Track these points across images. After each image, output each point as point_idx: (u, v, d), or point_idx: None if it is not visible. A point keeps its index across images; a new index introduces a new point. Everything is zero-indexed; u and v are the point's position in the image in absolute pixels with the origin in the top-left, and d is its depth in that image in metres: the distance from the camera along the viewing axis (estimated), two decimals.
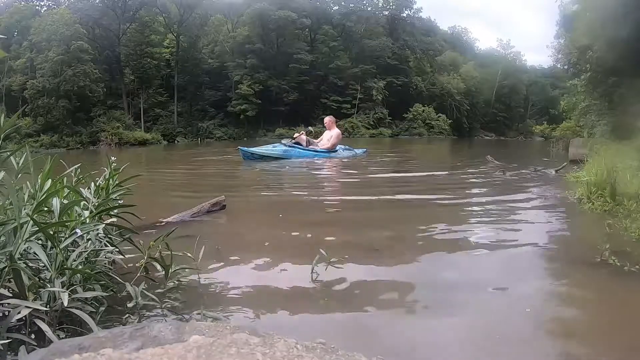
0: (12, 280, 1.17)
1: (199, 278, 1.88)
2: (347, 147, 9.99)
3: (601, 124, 8.00)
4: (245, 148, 8.62)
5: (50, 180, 1.47)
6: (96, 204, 1.82)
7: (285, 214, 3.55)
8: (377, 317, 1.63)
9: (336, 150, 9.29)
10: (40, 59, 26.01)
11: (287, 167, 7.52)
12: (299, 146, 8.80)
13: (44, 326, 1.11)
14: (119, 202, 2.04)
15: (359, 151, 10.06)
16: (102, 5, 30.29)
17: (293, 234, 2.80)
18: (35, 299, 1.18)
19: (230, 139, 30.84)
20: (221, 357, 0.69)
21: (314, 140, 9.30)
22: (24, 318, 1.11)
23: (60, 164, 1.77)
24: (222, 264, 2.19)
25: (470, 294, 1.84)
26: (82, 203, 1.67)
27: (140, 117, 30.79)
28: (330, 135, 9.30)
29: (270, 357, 0.70)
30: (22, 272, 1.15)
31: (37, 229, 1.24)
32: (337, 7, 40.96)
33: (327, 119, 9.56)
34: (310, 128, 9.57)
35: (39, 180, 1.45)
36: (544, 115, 41.94)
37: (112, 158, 2.07)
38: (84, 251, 1.44)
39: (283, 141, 9.14)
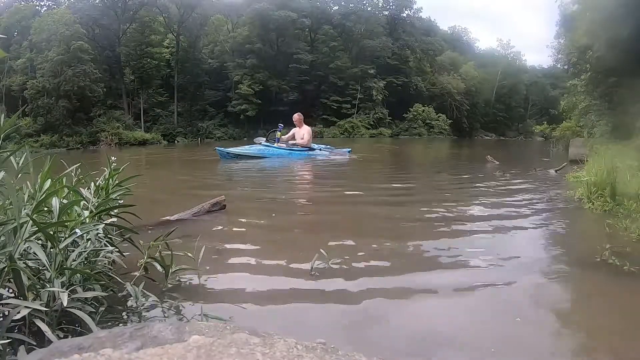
0: (12, 280, 1.17)
1: (199, 278, 1.88)
2: (328, 146, 9.94)
3: (601, 124, 8.00)
4: (222, 148, 8.79)
5: (50, 180, 1.47)
6: (96, 204, 1.82)
7: (283, 213, 3.55)
8: (377, 316, 1.63)
9: (314, 149, 9.27)
10: (40, 59, 25.94)
11: (280, 167, 7.54)
12: (275, 145, 8.90)
13: (43, 326, 1.11)
14: (119, 202, 2.04)
15: (342, 151, 10.01)
16: (102, 5, 30.26)
17: (292, 233, 2.80)
18: (35, 299, 1.18)
19: (231, 138, 30.80)
20: (221, 357, 0.69)
21: (284, 138, 9.24)
22: (23, 318, 1.11)
23: (60, 164, 1.77)
24: (222, 263, 2.18)
25: (468, 294, 1.84)
26: (81, 203, 1.67)
27: (140, 117, 30.74)
28: (302, 133, 9.22)
29: (270, 357, 0.70)
30: (21, 272, 1.15)
31: (37, 229, 1.24)
32: (337, 7, 40.89)
33: (297, 116, 9.30)
34: (281, 124, 9.51)
35: (39, 180, 1.45)
36: (544, 115, 41.87)
37: (112, 158, 2.07)
38: (84, 251, 1.44)
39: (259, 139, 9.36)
